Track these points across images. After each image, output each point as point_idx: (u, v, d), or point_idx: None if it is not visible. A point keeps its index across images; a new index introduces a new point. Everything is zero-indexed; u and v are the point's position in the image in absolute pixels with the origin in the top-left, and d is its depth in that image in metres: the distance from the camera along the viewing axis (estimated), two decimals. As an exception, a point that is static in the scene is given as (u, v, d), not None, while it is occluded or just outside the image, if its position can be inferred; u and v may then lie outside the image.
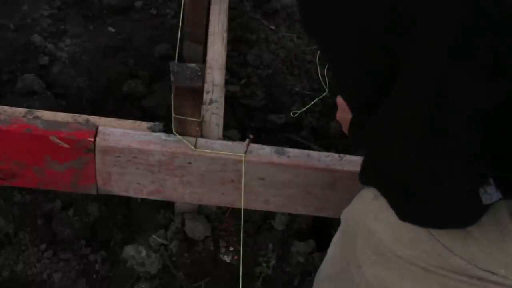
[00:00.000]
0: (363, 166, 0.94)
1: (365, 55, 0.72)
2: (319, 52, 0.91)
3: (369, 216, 0.96)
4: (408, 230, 0.88)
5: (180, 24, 1.69)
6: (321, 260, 1.65)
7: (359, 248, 0.97)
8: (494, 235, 0.80)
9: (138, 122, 1.36)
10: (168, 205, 1.68)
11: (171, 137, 1.31)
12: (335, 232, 1.62)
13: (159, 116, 1.89)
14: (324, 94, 2.06)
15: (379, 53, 0.70)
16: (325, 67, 2.15)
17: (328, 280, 1.13)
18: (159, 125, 1.34)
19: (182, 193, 1.40)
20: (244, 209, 1.33)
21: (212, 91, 1.41)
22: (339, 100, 1.06)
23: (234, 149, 1.32)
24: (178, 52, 1.53)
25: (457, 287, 0.89)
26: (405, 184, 0.80)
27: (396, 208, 0.85)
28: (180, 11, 1.77)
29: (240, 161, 1.30)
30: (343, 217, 1.08)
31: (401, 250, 0.90)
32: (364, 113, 0.77)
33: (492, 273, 0.83)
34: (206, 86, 1.40)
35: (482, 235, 0.81)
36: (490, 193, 0.77)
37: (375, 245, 0.94)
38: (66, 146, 1.27)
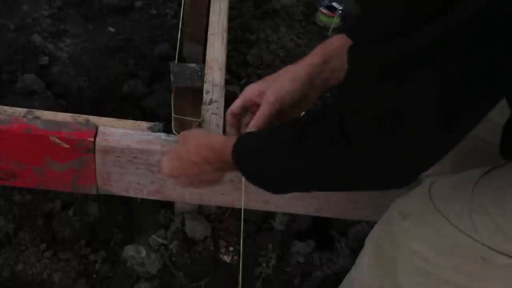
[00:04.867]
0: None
1: None
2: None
3: (405, 237, 0.96)
4: (449, 239, 0.89)
5: (180, 24, 1.69)
6: (321, 260, 1.65)
7: (400, 272, 0.97)
8: None
9: (138, 122, 1.36)
10: (168, 205, 1.68)
11: (171, 137, 1.31)
12: (335, 232, 1.62)
13: (159, 116, 1.89)
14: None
15: None
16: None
17: None
18: (159, 125, 1.34)
19: (182, 193, 1.40)
20: (244, 209, 1.33)
21: (212, 91, 1.41)
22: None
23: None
24: (178, 52, 1.53)
25: None
26: None
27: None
28: (180, 11, 1.77)
29: (240, 161, 1.30)
30: (371, 242, 1.08)
31: (445, 262, 0.91)
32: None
33: None
34: (206, 86, 1.40)
35: None
36: None
37: (418, 266, 0.94)
38: (66, 146, 1.27)
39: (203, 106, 1.36)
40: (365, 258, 1.09)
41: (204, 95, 1.38)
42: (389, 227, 1.01)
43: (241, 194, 1.33)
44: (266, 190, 0.94)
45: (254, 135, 0.97)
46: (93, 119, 1.34)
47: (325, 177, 0.85)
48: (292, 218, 1.72)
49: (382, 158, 0.75)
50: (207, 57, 1.52)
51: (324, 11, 2.42)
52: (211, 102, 1.38)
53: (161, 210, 1.69)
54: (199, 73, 1.25)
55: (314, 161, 0.82)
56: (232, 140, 0.97)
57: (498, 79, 0.68)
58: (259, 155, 0.91)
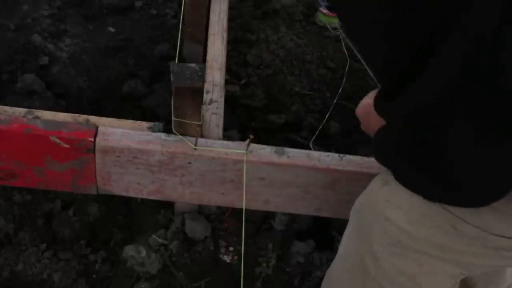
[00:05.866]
0: (382, 145, 0.93)
1: (406, 21, 0.72)
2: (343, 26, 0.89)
3: (381, 204, 0.96)
4: (420, 207, 0.89)
5: (180, 24, 1.69)
6: (321, 260, 1.65)
7: (375, 241, 0.97)
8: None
9: (138, 122, 1.36)
10: (168, 205, 1.68)
11: (171, 137, 1.31)
12: (335, 232, 1.62)
13: (159, 116, 1.89)
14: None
15: (422, 19, 0.70)
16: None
17: (339, 278, 1.13)
18: (159, 125, 1.34)
19: (182, 193, 1.40)
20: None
21: (212, 91, 1.41)
22: (359, 111, 1.09)
23: (234, 149, 1.32)
24: (178, 52, 1.53)
25: (472, 262, 0.90)
26: (442, 154, 0.79)
27: (422, 188, 0.86)
28: (180, 11, 1.78)
29: (240, 161, 1.30)
30: (353, 212, 1.08)
31: (416, 232, 0.91)
32: (398, 83, 0.77)
33: (508, 238, 0.84)
34: (206, 86, 1.40)
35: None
36: None
37: (391, 235, 0.94)
38: (66, 146, 1.27)
39: (203, 106, 1.36)
40: (348, 228, 1.10)
41: (204, 95, 1.38)
42: (369, 194, 1.01)
43: (241, 194, 1.33)
44: None
45: None
46: (93, 119, 1.34)
47: None
48: (292, 218, 1.72)
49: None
50: (207, 57, 1.52)
51: (324, 11, 2.42)
52: (211, 102, 1.38)
53: (161, 210, 1.69)
54: (199, 73, 1.25)
55: None
56: None
57: None
58: None
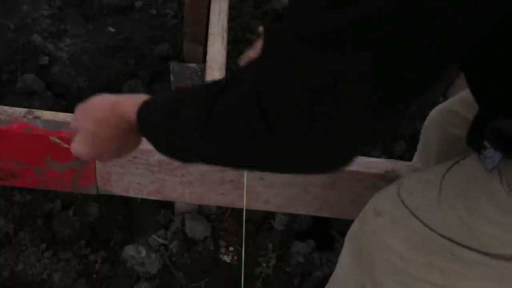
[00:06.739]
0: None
1: None
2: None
3: (380, 233, 0.96)
4: (418, 234, 0.89)
5: (180, 24, 1.69)
6: (321, 260, 1.65)
7: (378, 269, 0.97)
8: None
9: (138, 122, 1.36)
10: (168, 205, 1.68)
11: (171, 137, 1.31)
12: (335, 232, 1.62)
13: (159, 116, 1.89)
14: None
15: None
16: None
17: None
18: (159, 125, 1.34)
19: (182, 193, 1.40)
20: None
21: (212, 91, 1.40)
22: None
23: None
24: (178, 52, 1.53)
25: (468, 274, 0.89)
26: None
27: None
28: (180, 11, 1.77)
29: (240, 161, 1.30)
30: (349, 240, 1.07)
31: (417, 259, 0.90)
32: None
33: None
34: (206, 86, 1.40)
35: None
36: (490, 156, 0.77)
37: (394, 263, 0.94)
38: (66, 146, 1.26)
39: (203, 106, 1.36)
40: (345, 256, 1.09)
41: (204, 95, 1.38)
42: (365, 225, 1.01)
43: (241, 194, 1.33)
44: (170, 158, 0.82)
45: (160, 99, 0.82)
46: (93, 119, 1.34)
47: (236, 158, 0.73)
48: (292, 218, 1.72)
49: (309, 144, 0.64)
50: (207, 57, 1.52)
51: (324, 11, 2.42)
52: (211, 102, 1.38)
53: (161, 210, 1.69)
54: (199, 73, 1.26)
55: (224, 142, 0.69)
56: (139, 101, 0.83)
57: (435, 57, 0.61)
58: (161, 125, 0.78)
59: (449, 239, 0.85)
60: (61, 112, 1.35)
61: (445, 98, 2.02)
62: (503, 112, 0.76)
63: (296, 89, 0.61)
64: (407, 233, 0.91)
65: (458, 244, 0.85)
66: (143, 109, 0.81)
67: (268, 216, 1.72)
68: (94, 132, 0.88)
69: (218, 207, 1.70)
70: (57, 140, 1.26)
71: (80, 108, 0.91)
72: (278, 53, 0.63)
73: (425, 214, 0.90)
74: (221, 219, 1.71)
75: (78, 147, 0.91)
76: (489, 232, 0.82)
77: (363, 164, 1.33)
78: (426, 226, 0.89)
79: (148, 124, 0.81)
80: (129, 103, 0.83)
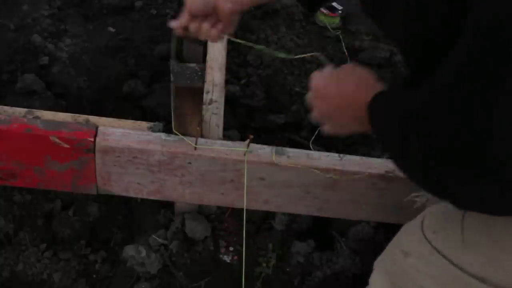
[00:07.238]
0: (422, 165, 0.83)
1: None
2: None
3: (412, 274, 0.97)
4: (447, 274, 0.90)
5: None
6: (321, 260, 1.65)
7: None
8: None
9: (138, 122, 1.36)
10: (168, 205, 1.68)
11: (171, 137, 1.31)
12: (335, 232, 1.61)
13: (159, 116, 1.89)
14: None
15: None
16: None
17: None
18: (159, 125, 1.34)
19: (182, 193, 1.40)
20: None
21: (212, 91, 1.41)
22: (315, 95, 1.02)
23: (234, 149, 1.32)
24: (178, 52, 1.52)
25: None
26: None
27: (491, 201, 0.77)
28: (180, 11, 1.77)
29: (240, 161, 1.30)
30: (378, 276, 1.09)
31: None
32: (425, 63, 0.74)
33: None
34: (206, 86, 1.40)
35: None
36: None
37: None
38: (66, 146, 1.27)
39: (203, 106, 1.36)
40: (378, 284, 1.10)
41: (204, 95, 1.38)
42: (394, 264, 1.03)
43: (241, 194, 1.33)
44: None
45: (389, 107, 0.85)
46: (93, 119, 1.34)
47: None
48: (292, 218, 1.72)
49: None
50: (207, 57, 1.52)
51: (324, 11, 2.42)
52: (211, 102, 1.38)
53: (161, 210, 1.69)
54: (199, 73, 1.26)
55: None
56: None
57: None
58: (391, 149, 0.84)
59: (476, 276, 0.86)
60: (61, 112, 1.35)
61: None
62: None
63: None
64: (437, 272, 0.92)
65: (485, 281, 0.86)
66: (375, 110, 0.88)
67: (268, 216, 1.72)
68: (338, 105, 0.97)
69: (218, 207, 1.70)
70: (57, 140, 1.26)
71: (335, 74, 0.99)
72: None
73: (452, 253, 0.91)
74: (221, 219, 1.71)
75: (318, 103, 1.00)
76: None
77: (363, 164, 1.33)
78: (454, 265, 0.90)
79: (378, 133, 0.88)
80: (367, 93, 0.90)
